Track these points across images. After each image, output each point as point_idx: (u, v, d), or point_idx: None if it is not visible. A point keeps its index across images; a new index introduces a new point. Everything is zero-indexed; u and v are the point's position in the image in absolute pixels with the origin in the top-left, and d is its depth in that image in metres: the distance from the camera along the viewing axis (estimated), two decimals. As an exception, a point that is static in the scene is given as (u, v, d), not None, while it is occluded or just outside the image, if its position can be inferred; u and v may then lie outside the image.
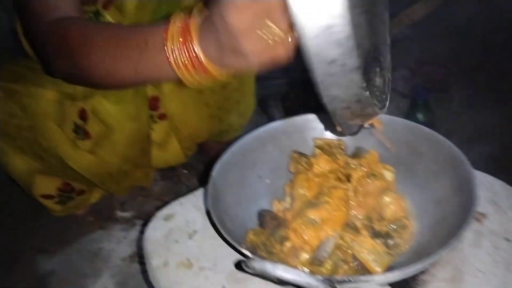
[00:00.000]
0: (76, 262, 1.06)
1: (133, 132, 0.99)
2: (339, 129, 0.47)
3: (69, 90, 0.94)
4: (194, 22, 0.49)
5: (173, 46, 0.50)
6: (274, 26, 0.43)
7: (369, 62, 0.43)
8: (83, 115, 0.95)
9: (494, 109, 1.33)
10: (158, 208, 0.70)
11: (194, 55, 0.49)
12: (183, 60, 0.50)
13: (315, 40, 0.34)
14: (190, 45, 0.49)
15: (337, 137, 0.69)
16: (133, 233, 1.10)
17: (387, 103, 0.48)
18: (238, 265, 0.54)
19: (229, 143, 0.67)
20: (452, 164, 0.56)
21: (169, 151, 1.11)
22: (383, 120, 0.66)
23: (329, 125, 0.70)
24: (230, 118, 1.13)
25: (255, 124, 0.70)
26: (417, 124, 0.63)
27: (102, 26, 0.75)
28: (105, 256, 1.05)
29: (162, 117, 1.06)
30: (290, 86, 1.45)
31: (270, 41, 0.44)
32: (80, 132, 0.96)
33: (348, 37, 0.33)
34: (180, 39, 0.50)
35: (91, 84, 0.74)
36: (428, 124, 1.08)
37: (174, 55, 0.51)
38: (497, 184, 0.64)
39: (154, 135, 1.07)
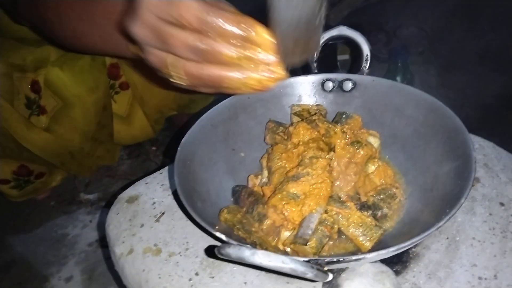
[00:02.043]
0: (39, 250, 0.98)
1: (93, 105, 0.90)
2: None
3: (18, 61, 0.83)
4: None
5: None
6: None
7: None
8: (35, 87, 0.85)
9: (471, 70, 1.30)
10: (125, 188, 0.63)
11: None
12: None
13: None
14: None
15: (316, 102, 0.63)
16: (100, 217, 1.02)
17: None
18: (210, 251, 0.48)
19: (200, 115, 0.60)
20: (444, 126, 0.50)
21: (135, 125, 1.02)
22: (368, 83, 0.60)
23: (308, 88, 0.63)
24: None
25: (223, 97, 0.63)
26: (404, 85, 0.58)
27: None
28: (70, 242, 0.98)
29: (124, 86, 0.97)
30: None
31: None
32: (34, 107, 0.86)
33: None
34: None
35: (55, 40, 0.72)
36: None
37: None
38: (487, 145, 0.60)
39: (116, 107, 0.98)
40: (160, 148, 1.21)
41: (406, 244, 0.37)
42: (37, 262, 0.96)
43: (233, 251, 0.32)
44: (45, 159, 0.94)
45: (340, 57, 1.32)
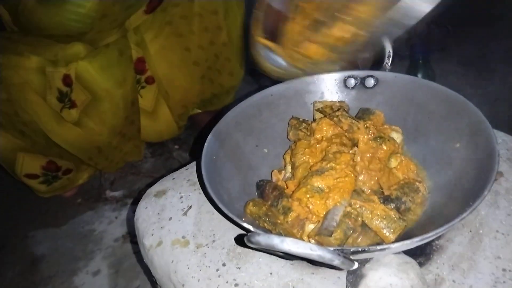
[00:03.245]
0: (66, 245, 1.02)
1: (121, 99, 0.93)
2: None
3: (51, 57, 0.87)
4: None
5: None
6: None
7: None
8: (67, 81, 0.89)
9: (493, 69, 1.29)
10: (150, 185, 0.66)
11: None
12: None
13: None
14: None
15: (339, 99, 0.64)
16: (125, 213, 1.05)
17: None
18: (240, 240, 0.50)
19: (221, 115, 0.62)
20: (466, 121, 0.51)
21: (160, 120, 1.05)
22: (390, 79, 0.61)
23: (330, 85, 0.65)
24: (221, 79, 1.08)
25: (247, 95, 0.65)
26: (427, 81, 0.58)
27: None
28: (97, 238, 1.01)
29: (150, 81, 1.00)
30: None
31: None
32: (66, 100, 0.90)
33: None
34: None
35: None
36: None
37: None
38: (510, 140, 0.60)
39: (142, 102, 1.01)
40: (183, 147, 1.23)
41: (430, 234, 0.38)
42: (65, 257, 1.00)
43: (263, 238, 0.33)
44: (74, 155, 0.98)
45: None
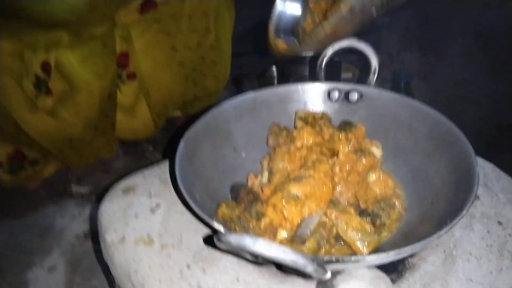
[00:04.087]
0: (24, 237, 0.96)
1: (98, 92, 0.90)
2: None
3: (30, 41, 0.83)
4: None
5: None
6: None
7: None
8: (46, 67, 0.85)
9: (473, 99, 1.32)
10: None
11: None
12: None
13: None
14: None
15: (322, 110, 0.63)
16: (89, 210, 1.01)
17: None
18: (208, 241, 0.48)
19: (200, 116, 0.60)
20: (448, 141, 0.51)
21: (138, 118, 1.02)
22: (374, 95, 0.61)
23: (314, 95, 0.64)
24: (206, 82, 1.06)
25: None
26: (410, 99, 0.58)
27: None
28: (57, 233, 0.96)
29: (131, 76, 0.97)
30: (266, 64, 1.39)
31: None
32: (42, 87, 0.86)
33: None
34: None
35: None
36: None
37: None
38: (487, 166, 0.60)
39: (121, 97, 0.98)
40: (157, 148, 1.20)
41: (407, 248, 0.37)
42: (21, 250, 0.94)
43: (234, 238, 0.31)
44: (43, 146, 0.93)
45: (344, 75, 1.34)
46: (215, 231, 0.41)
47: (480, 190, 0.55)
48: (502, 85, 1.35)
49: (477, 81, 1.38)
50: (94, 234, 0.93)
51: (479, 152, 0.64)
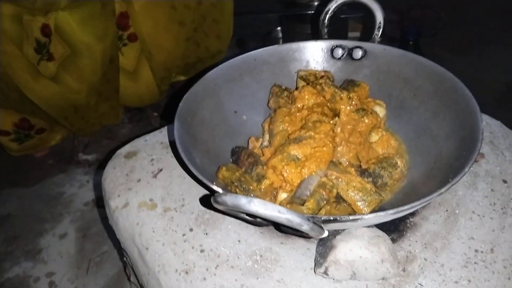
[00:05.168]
0: (34, 206, 0.98)
1: (100, 54, 0.89)
2: None
3: (28, 4, 0.82)
4: None
5: None
6: None
7: None
8: (46, 31, 0.84)
9: (482, 55, 1.28)
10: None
11: None
12: None
13: None
14: None
15: (324, 69, 0.61)
16: (97, 177, 1.02)
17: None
18: (206, 202, 0.48)
19: (201, 76, 0.58)
20: (453, 97, 0.49)
21: (141, 82, 1.01)
22: (379, 51, 0.59)
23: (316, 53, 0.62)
24: (208, 42, 1.04)
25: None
26: (416, 56, 0.56)
27: None
28: (66, 201, 0.98)
29: (133, 38, 0.95)
30: (270, 24, 1.35)
31: None
32: (44, 51, 0.84)
33: None
34: None
35: None
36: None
37: None
38: (494, 124, 0.59)
39: (123, 60, 0.97)
40: (162, 115, 1.19)
41: (406, 207, 0.36)
42: (33, 217, 0.96)
43: (230, 198, 0.31)
44: (49, 113, 0.93)
45: (351, 34, 1.30)
46: (215, 192, 0.41)
47: (486, 148, 0.54)
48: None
49: (492, 41, 1.33)
50: (101, 201, 0.95)
51: (488, 110, 0.63)
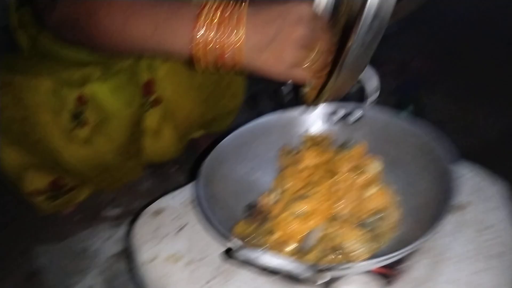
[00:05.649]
0: (62, 260, 1.05)
1: (128, 119, 0.99)
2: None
3: (66, 77, 0.93)
4: (241, 14, 0.52)
5: (205, 23, 0.52)
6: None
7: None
8: (81, 100, 0.94)
9: (481, 102, 1.36)
10: (147, 205, 0.70)
11: (232, 39, 0.52)
12: (209, 39, 0.53)
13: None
14: (233, 29, 0.52)
15: (326, 131, 0.70)
16: (121, 231, 1.09)
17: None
18: (226, 254, 0.55)
19: (220, 139, 0.67)
20: (435, 157, 0.57)
21: (163, 140, 1.10)
22: (374, 114, 0.67)
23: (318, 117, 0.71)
24: (223, 102, 1.14)
25: (246, 120, 0.71)
26: (403, 120, 0.64)
27: None
28: (92, 255, 1.04)
29: (156, 103, 1.06)
30: (280, 82, 1.46)
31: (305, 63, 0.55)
32: (79, 119, 0.95)
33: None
34: (219, 19, 0.52)
35: (89, 37, 0.69)
36: (419, 116, 1.10)
37: (201, 32, 0.53)
38: (482, 173, 0.65)
39: (148, 122, 1.07)
40: (181, 169, 1.28)
41: (393, 254, 0.43)
42: (60, 272, 1.03)
43: (246, 252, 0.39)
44: (79, 173, 1.02)
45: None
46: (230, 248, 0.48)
47: (472, 197, 0.61)
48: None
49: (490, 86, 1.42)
50: (126, 254, 1.02)
51: (482, 156, 0.70)
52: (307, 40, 0.52)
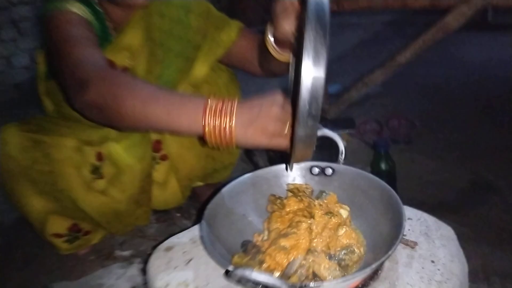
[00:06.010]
0: (79, 296, 1.17)
1: (140, 172, 1.16)
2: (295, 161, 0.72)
3: (86, 138, 1.11)
4: (235, 109, 0.72)
5: (210, 116, 0.71)
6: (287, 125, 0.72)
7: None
8: (100, 157, 1.12)
9: (450, 157, 1.54)
10: (154, 247, 0.85)
11: (227, 128, 0.71)
12: (214, 126, 0.71)
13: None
14: (227, 122, 0.71)
15: (306, 182, 0.87)
16: (131, 269, 1.22)
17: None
18: (226, 274, 0.69)
19: (218, 189, 0.84)
20: (390, 204, 0.73)
21: (169, 190, 1.27)
22: (343, 170, 0.84)
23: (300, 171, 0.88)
24: (222, 157, 1.31)
25: (242, 171, 0.88)
26: (367, 173, 0.81)
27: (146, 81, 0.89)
28: (106, 291, 1.17)
29: (164, 158, 1.23)
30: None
31: (283, 133, 0.72)
32: (97, 172, 1.12)
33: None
34: (219, 114, 0.71)
35: (113, 118, 0.80)
36: (389, 172, 1.27)
37: (209, 122, 0.71)
38: (430, 219, 0.81)
39: (156, 175, 1.23)
40: (184, 215, 1.43)
41: (350, 276, 0.58)
42: (77, 307, 1.15)
43: (240, 271, 0.54)
44: (95, 219, 1.18)
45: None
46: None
47: (421, 238, 0.76)
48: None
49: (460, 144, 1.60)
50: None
51: (448, 205, 0.86)
52: (281, 116, 0.70)
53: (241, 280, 0.56)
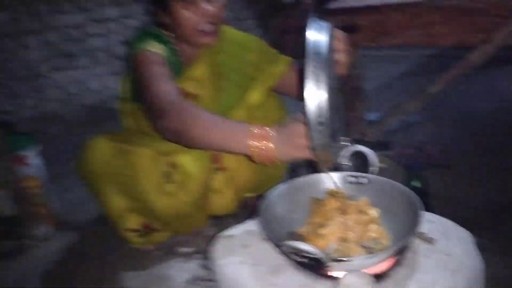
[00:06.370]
0: (148, 283, 1.39)
1: (202, 180, 1.38)
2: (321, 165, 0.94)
3: (161, 149, 1.35)
4: (271, 133, 0.98)
5: (253, 140, 0.97)
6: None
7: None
8: (172, 165, 1.35)
9: (484, 183, 1.64)
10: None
11: (268, 148, 0.97)
12: (258, 148, 0.96)
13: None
14: (267, 145, 0.97)
15: (341, 188, 1.04)
16: (191, 264, 1.43)
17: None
18: (279, 247, 0.86)
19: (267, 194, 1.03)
20: (412, 207, 0.89)
21: (225, 198, 1.48)
22: (378, 182, 1.01)
23: (337, 180, 1.06)
24: (271, 170, 1.52)
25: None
26: (395, 182, 0.98)
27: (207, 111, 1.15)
28: (170, 279, 1.38)
29: (222, 169, 1.45)
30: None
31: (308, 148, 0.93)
32: (169, 177, 1.35)
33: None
34: (260, 138, 0.98)
35: (184, 140, 1.10)
36: (421, 189, 1.41)
37: (253, 144, 0.96)
38: (450, 223, 0.96)
39: (215, 183, 1.46)
40: (236, 221, 1.63)
41: (374, 255, 0.75)
42: (145, 292, 1.37)
43: (291, 243, 0.72)
44: (163, 219, 1.40)
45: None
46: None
47: (440, 236, 0.91)
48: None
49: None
50: (198, 280, 1.34)
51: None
52: (304, 133, 0.91)
53: (291, 251, 0.74)
